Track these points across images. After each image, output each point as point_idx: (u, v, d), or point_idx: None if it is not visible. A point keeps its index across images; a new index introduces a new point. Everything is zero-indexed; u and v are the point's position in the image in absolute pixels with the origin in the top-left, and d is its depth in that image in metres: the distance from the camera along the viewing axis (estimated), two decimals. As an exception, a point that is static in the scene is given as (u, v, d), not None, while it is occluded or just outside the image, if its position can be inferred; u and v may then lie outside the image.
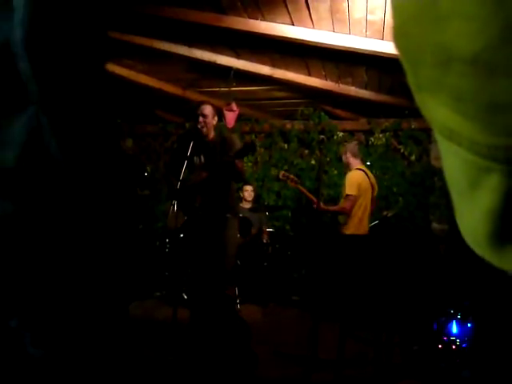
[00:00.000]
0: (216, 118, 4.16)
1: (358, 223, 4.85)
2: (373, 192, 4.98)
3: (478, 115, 0.27)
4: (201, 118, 4.04)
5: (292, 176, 5.14)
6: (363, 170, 4.93)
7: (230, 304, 3.61)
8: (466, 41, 0.26)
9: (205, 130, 4.06)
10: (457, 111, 0.28)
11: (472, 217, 0.31)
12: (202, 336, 3.54)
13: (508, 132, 0.26)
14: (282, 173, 5.28)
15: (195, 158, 4.10)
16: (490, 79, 0.25)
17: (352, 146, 5.21)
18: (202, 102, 4.24)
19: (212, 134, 4.14)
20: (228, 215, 4.12)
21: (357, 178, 4.92)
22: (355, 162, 5.03)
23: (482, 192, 0.29)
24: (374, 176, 6.42)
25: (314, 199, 5.24)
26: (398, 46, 0.31)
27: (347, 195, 4.85)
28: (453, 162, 0.31)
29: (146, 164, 5.28)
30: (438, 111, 0.29)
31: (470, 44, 0.25)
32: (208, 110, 4.07)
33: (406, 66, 0.31)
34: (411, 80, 0.31)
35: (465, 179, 0.30)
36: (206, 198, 4.06)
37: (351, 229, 4.92)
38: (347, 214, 4.88)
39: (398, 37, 0.30)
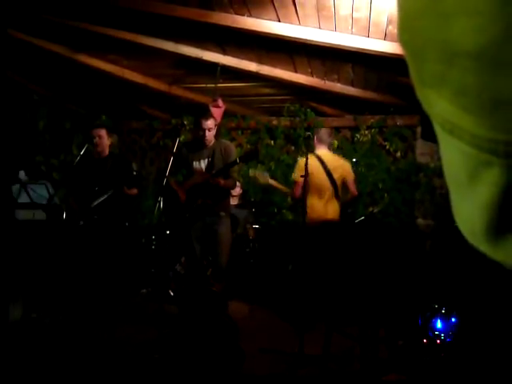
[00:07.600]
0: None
1: (309, 208, 4.57)
2: (330, 177, 4.82)
3: (481, 110, 0.27)
4: None
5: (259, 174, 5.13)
6: (318, 156, 4.80)
7: (217, 301, 3.61)
8: (471, 36, 0.26)
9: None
10: (459, 106, 0.28)
11: (470, 209, 0.32)
12: (189, 333, 3.54)
13: (509, 127, 0.26)
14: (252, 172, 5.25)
15: (195, 162, 4.46)
16: (494, 75, 0.26)
17: (321, 131, 5.15)
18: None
19: (212, 142, 4.47)
20: (221, 213, 4.42)
21: (302, 164, 4.67)
22: (317, 147, 4.99)
23: (481, 185, 0.29)
24: (360, 172, 6.42)
25: (287, 190, 5.23)
26: (401, 40, 0.31)
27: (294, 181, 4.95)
28: (453, 155, 0.31)
29: (131, 162, 5.25)
30: (440, 105, 0.29)
31: (475, 40, 0.26)
32: None
33: (409, 61, 0.31)
34: (414, 74, 0.31)
35: (464, 172, 0.31)
36: (203, 198, 4.41)
37: (306, 215, 4.67)
38: (295, 198, 4.94)
39: (403, 31, 0.31)
